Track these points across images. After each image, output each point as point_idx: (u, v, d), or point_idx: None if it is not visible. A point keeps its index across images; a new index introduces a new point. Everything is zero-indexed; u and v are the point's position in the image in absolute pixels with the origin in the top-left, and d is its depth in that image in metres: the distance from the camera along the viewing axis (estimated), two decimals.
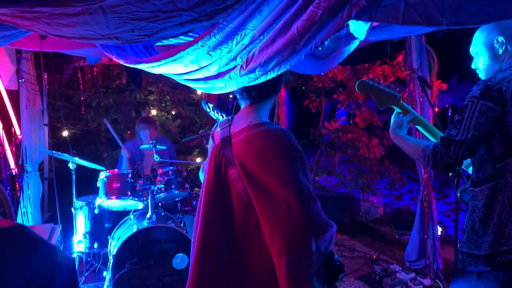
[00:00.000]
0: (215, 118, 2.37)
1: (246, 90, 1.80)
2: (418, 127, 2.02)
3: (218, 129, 1.81)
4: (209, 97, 6.59)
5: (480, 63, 1.85)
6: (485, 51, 1.81)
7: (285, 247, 1.52)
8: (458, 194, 1.95)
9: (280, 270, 1.54)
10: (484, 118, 1.59)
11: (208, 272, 1.72)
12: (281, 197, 1.55)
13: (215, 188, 1.73)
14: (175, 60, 2.12)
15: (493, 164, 1.64)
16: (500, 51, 1.76)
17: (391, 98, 1.95)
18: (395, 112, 1.99)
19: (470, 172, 1.80)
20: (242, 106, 1.86)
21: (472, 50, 1.88)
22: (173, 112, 6.41)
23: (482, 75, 1.86)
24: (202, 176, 1.95)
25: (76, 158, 3.59)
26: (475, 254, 1.68)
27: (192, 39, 2.06)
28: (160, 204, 3.89)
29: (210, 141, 1.91)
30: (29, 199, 4.00)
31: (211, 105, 2.37)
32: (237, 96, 1.90)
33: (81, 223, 3.75)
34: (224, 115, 2.29)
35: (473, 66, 1.90)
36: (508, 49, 1.76)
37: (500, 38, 1.75)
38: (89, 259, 3.88)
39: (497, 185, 1.63)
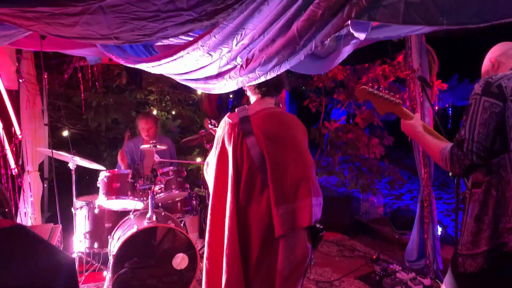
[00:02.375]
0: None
1: (258, 87, 2.16)
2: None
3: (236, 111, 2.17)
4: (209, 97, 6.58)
5: None
6: None
7: (291, 197, 1.94)
8: (461, 197, 1.94)
9: (284, 217, 1.93)
10: (488, 114, 1.59)
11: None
12: (292, 157, 1.99)
13: (233, 156, 2.09)
14: (175, 60, 2.12)
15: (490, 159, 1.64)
16: None
17: (391, 105, 1.95)
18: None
19: None
20: (253, 100, 2.24)
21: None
22: (173, 112, 6.41)
23: None
24: (207, 168, 2.35)
25: (77, 157, 3.58)
26: (474, 254, 1.68)
27: (192, 38, 2.06)
28: (160, 204, 3.89)
29: (222, 127, 2.22)
30: (30, 199, 4.00)
31: (214, 122, 2.80)
32: (247, 92, 2.24)
33: (81, 223, 3.75)
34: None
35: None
36: None
37: None
38: (89, 259, 3.88)
39: (491, 180, 1.63)
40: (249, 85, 2.17)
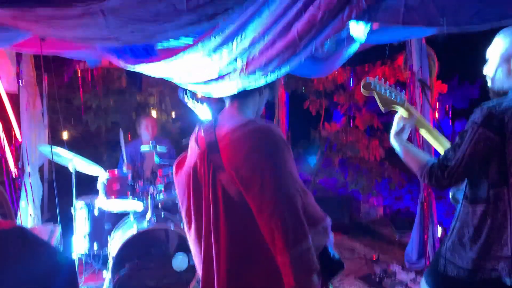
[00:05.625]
0: (193, 109, 2.22)
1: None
2: (424, 135, 1.95)
3: (202, 134, 1.74)
4: (209, 99, 6.57)
5: (492, 71, 1.73)
6: (499, 62, 1.69)
7: (287, 244, 1.49)
8: (451, 194, 1.95)
9: (286, 268, 1.51)
10: (481, 146, 1.58)
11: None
12: (276, 194, 1.53)
13: (204, 194, 1.70)
14: (174, 60, 2.12)
15: (488, 188, 1.63)
16: None
17: (395, 101, 1.91)
18: (397, 115, 1.91)
19: None
20: (226, 104, 1.87)
21: (488, 53, 1.76)
22: (173, 114, 6.41)
23: (489, 84, 1.77)
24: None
25: (76, 161, 3.58)
26: (458, 265, 1.68)
27: (192, 39, 2.06)
28: (160, 205, 3.88)
29: (192, 144, 1.83)
30: (30, 200, 4.00)
31: (189, 93, 2.18)
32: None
33: (81, 224, 3.74)
34: (205, 105, 2.18)
35: (484, 71, 1.79)
36: None
37: None
38: (88, 260, 3.87)
39: (488, 209, 1.62)
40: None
